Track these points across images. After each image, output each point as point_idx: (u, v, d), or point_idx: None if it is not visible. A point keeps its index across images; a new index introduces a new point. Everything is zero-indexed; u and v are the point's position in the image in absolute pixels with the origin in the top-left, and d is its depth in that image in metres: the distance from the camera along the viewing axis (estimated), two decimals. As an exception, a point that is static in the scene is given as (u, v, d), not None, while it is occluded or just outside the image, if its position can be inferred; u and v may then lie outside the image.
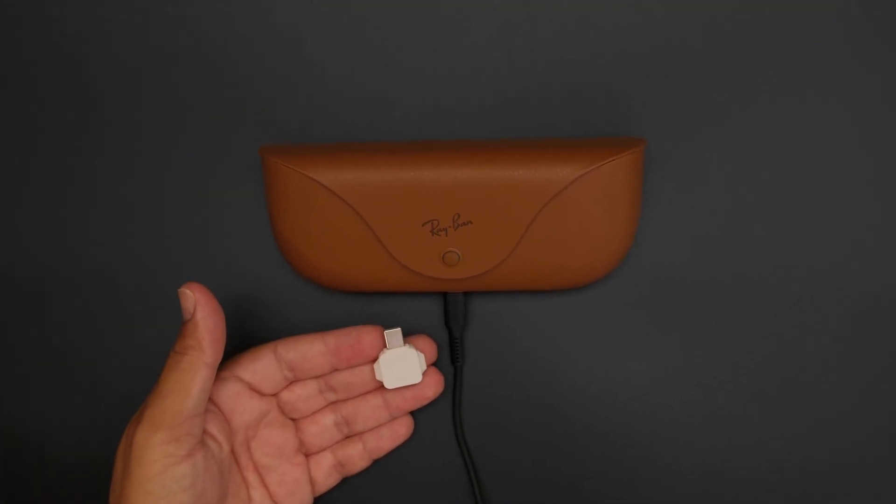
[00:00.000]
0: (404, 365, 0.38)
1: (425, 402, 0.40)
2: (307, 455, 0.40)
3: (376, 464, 0.41)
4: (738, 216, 0.40)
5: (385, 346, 0.38)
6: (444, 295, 0.40)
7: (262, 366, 0.38)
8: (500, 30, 0.40)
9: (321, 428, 0.39)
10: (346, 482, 0.42)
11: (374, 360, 0.38)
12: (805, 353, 0.40)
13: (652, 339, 0.41)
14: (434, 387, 0.39)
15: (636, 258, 0.41)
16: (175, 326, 0.42)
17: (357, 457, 0.40)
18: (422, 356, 0.39)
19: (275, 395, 0.39)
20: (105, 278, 0.42)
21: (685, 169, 0.40)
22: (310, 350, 0.38)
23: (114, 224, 0.42)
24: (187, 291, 0.35)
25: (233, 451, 0.38)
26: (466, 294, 0.41)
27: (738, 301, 0.40)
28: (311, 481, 0.39)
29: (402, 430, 0.40)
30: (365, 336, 0.38)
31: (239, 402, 0.37)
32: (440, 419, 0.42)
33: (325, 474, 0.40)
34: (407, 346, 0.38)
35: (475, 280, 0.38)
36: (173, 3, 0.40)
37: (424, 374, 0.39)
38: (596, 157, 0.36)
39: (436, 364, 0.42)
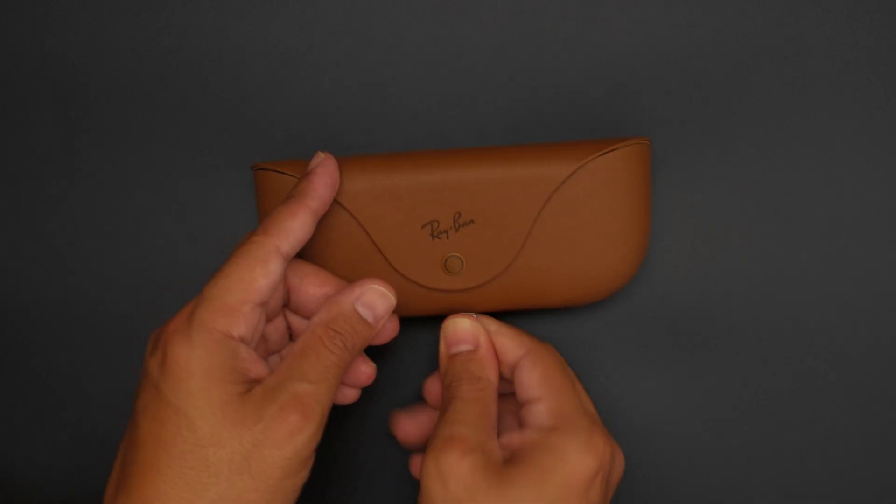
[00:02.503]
0: None
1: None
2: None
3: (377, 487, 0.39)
4: (753, 245, 0.39)
5: None
6: None
7: (276, 280, 0.31)
8: (503, 43, 0.39)
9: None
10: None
11: None
12: (821, 389, 0.39)
13: (662, 370, 0.39)
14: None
15: (644, 286, 0.39)
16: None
17: (274, 330, 0.35)
18: None
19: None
20: (89, 305, 0.40)
21: (697, 194, 0.39)
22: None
23: (99, 249, 0.40)
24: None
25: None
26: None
27: (752, 333, 0.39)
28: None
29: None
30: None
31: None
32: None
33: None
34: None
35: (479, 292, 0.36)
36: (165, 19, 0.39)
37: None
38: (596, 149, 0.35)
39: None
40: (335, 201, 0.35)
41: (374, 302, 0.33)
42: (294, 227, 0.31)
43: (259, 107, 0.39)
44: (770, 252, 0.38)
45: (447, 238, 0.36)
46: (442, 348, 0.35)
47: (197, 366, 0.29)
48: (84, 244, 0.40)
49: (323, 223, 0.36)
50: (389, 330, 0.34)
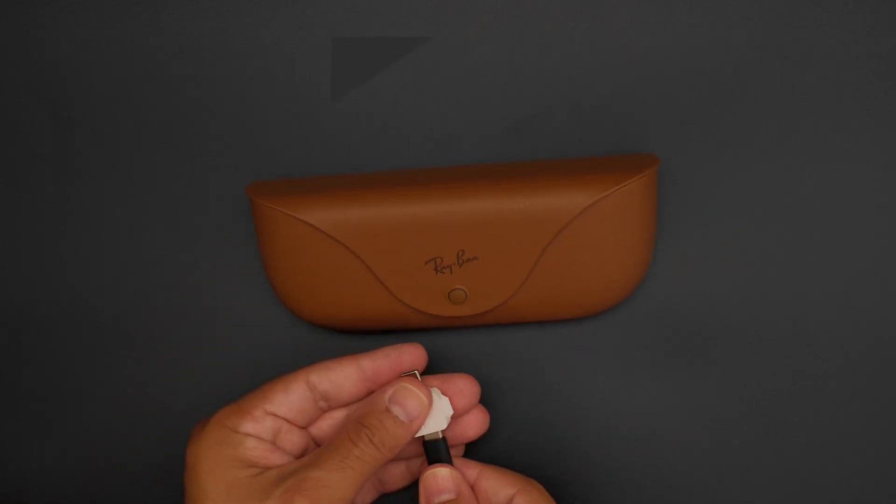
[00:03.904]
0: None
1: (466, 441, 0.37)
2: None
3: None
4: (754, 247, 0.38)
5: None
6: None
7: (296, 399, 0.34)
8: (506, 51, 0.36)
9: None
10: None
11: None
12: (821, 391, 0.39)
13: (662, 372, 0.39)
14: (476, 427, 0.36)
15: (649, 290, 0.38)
16: (160, 367, 0.41)
17: (399, 476, 0.38)
18: (445, 400, 0.35)
19: (308, 427, 0.36)
20: (86, 308, 0.41)
21: (699, 197, 0.37)
22: (345, 379, 0.35)
23: (98, 262, 0.40)
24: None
25: None
26: (470, 328, 0.39)
27: (752, 335, 0.38)
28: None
29: None
30: (406, 357, 0.35)
31: (284, 439, 0.35)
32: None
33: (364, 491, 0.38)
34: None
35: (482, 316, 0.37)
36: (157, 32, 0.37)
37: (464, 416, 0.36)
38: (607, 184, 0.34)
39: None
40: (332, 237, 0.35)
41: (405, 400, 0.34)
42: (333, 374, 0.34)
43: (257, 107, 0.38)
44: (772, 254, 0.38)
45: (451, 273, 0.35)
46: (422, 500, 0.35)
47: (205, 453, 0.32)
48: (81, 246, 0.40)
49: (320, 258, 0.35)
50: (476, 425, 0.36)
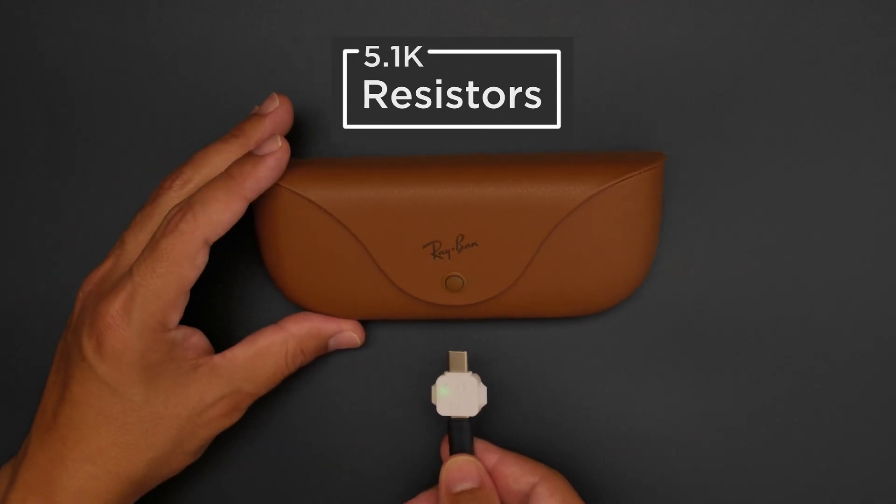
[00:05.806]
0: (462, 394, 0.35)
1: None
2: None
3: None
4: (760, 248, 0.38)
5: (447, 370, 0.35)
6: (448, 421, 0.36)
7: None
8: (505, 41, 0.37)
9: None
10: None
11: None
12: (823, 392, 0.38)
13: (664, 375, 0.39)
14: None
15: (651, 290, 0.38)
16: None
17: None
18: (483, 389, 0.35)
19: None
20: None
21: (701, 197, 0.38)
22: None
23: (97, 262, 0.38)
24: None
25: None
26: (471, 321, 0.38)
27: (755, 336, 0.38)
28: None
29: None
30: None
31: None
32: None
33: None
34: (469, 374, 0.35)
35: (480, 307, 0.36)
36: (155, 32, 0.38)
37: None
38: (612, 174, 0.34)
39: None
40: (331, 215, 0.34)
41: (346, 343, 0.37)
42: (225, 220, 0.32)
43: (253, 106, 0.37)
44: (773, 254, 0.38)
45: (449, 258, 0.35)
46: (442, 489, 0.34)
47: (139, 363, 0.32)
48: (79, 246, 0.39)
49: (317, 236, 0.35)
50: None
